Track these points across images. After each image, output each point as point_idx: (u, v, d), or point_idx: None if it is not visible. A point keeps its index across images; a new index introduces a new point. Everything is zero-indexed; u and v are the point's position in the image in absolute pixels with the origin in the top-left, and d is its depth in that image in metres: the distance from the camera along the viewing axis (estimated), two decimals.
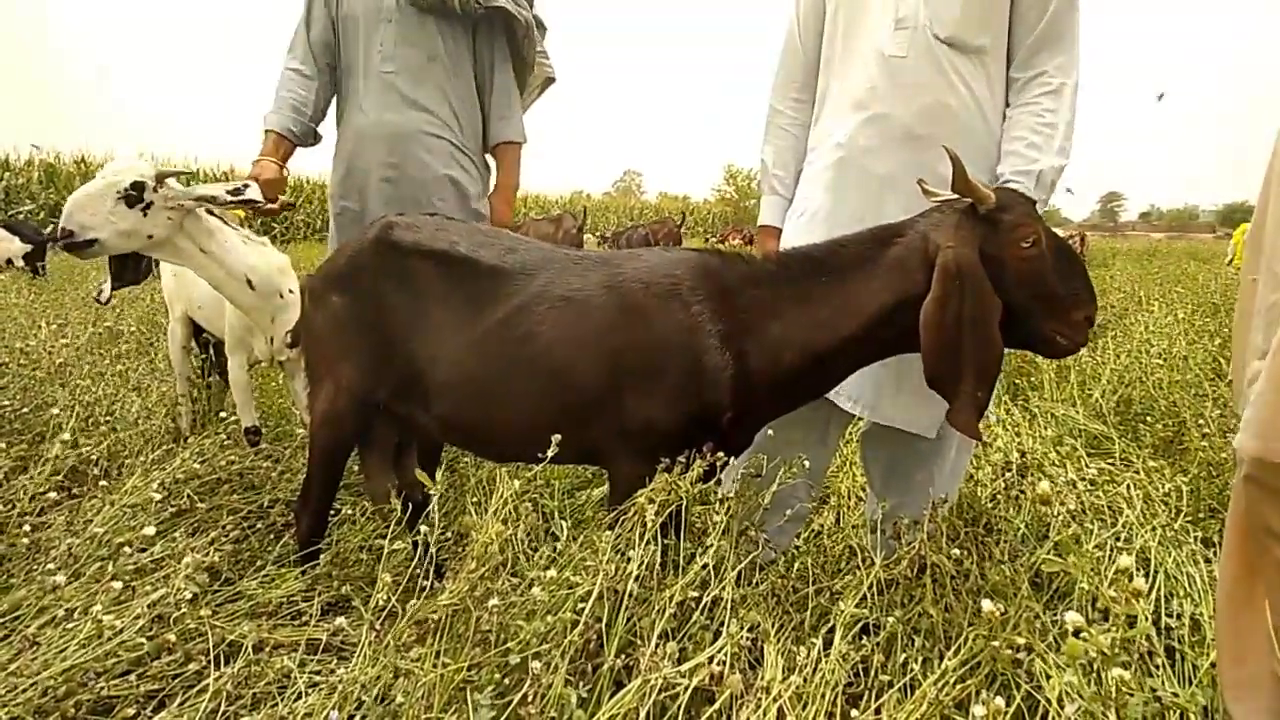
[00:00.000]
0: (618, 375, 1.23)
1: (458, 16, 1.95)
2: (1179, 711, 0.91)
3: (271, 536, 1.77)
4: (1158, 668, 1.21)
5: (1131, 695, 0.66)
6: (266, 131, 1.96)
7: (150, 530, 1.30)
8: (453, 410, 1.34)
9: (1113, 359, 2.90)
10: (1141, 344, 2.94)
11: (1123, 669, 0.64)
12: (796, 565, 1.49)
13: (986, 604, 0.78)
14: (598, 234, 14.41)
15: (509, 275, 1.30)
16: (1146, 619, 0.90)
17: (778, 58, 1.70)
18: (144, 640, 1.14)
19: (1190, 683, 1.26)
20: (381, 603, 1.07)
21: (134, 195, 1.69)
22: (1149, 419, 2.48)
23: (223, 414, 2.06)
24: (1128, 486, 1.66)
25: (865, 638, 1.18)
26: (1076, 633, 0.68)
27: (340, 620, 1.21)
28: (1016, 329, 1.16)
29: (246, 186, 1.77)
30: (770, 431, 1.45)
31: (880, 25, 1.44)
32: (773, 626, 1.18)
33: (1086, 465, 1.84)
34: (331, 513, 1.62)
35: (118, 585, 1.17)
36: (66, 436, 1.72)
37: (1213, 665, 1.22)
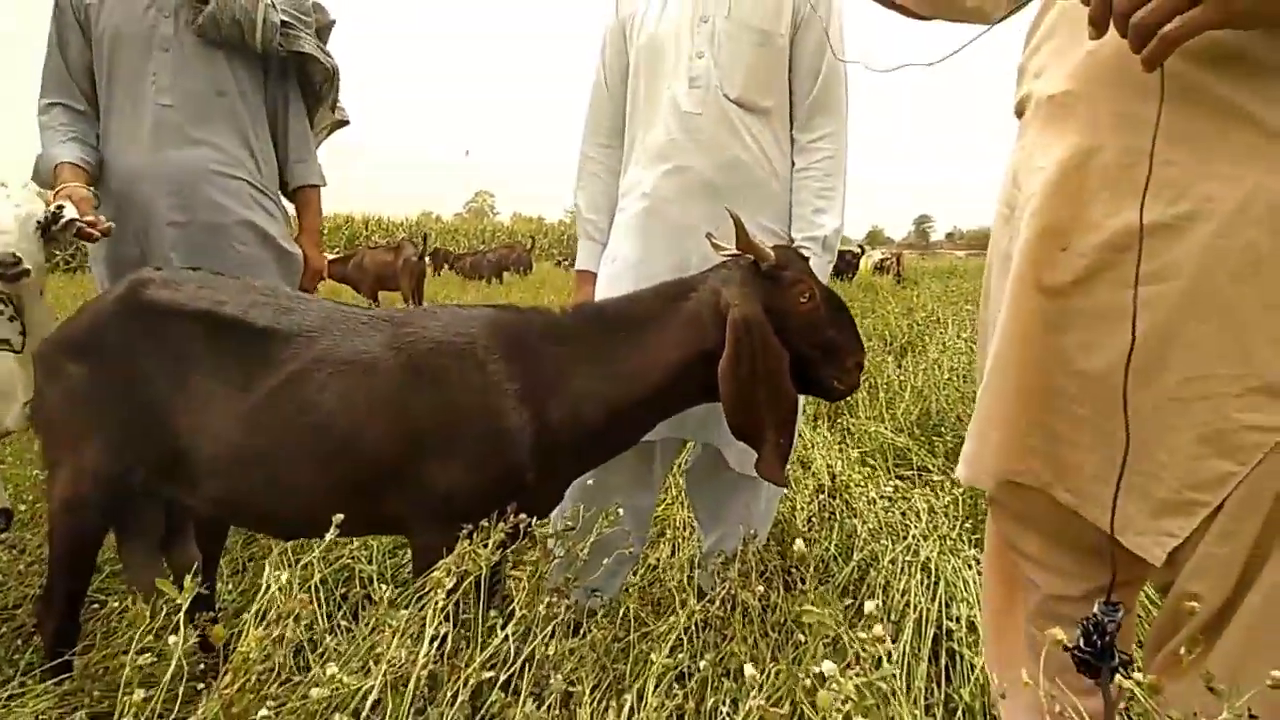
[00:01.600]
0: (412, 442, 1.16)
1: (254, 54, 1.80)
2: None
3: (19, 641, 1.49)
4: (942, 670, 1.33)
5: None
6: (58, 165, 1.67)
7: None
8: (225, 490, 1.20)
9: (913, 376, 3.23)
10: (935, 361, 3.30)
11: (864, 716, 0.69)
12: (621, 611, 1.48)
13: (748, 669, 0.80)
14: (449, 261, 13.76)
15: (285, 338, 1.19)
16: (892, 660, 0.98)
17: (589, 102, 1.73)
18: None
19: (968, 681, 1.40)
20: None
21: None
22: (941, 430, 2.77)
23: None
24: (916, 502, 1.83)
25: (680, 684, 1.20)
26: (825, 681, 0.72)
27: None
28: (801, 377, 1.24)
29: (61, 208, 1.50)
30: (589, 480, 1.45)
31: (677, 84, 1.51)
32: (589, 685, 1.16)
33: (885, 483, 2.01)
34: (96, 604, 1.39)
35: None
36: None
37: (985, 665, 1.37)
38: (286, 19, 1.82)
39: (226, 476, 1.19)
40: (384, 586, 1.21)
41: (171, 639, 0.90)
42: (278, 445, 1.17)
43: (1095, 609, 0.66)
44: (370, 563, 1.84)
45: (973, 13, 1.11)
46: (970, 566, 1.63)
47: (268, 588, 1.02)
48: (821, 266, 1.46)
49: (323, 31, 1.97)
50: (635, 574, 1.88)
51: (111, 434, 1.20)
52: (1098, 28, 0.71)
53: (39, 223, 1.47)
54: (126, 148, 1.73)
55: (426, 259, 8.81)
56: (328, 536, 1.03)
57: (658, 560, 2.06)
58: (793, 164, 1.58)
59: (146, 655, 0.97)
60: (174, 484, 1.22)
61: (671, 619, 1.39)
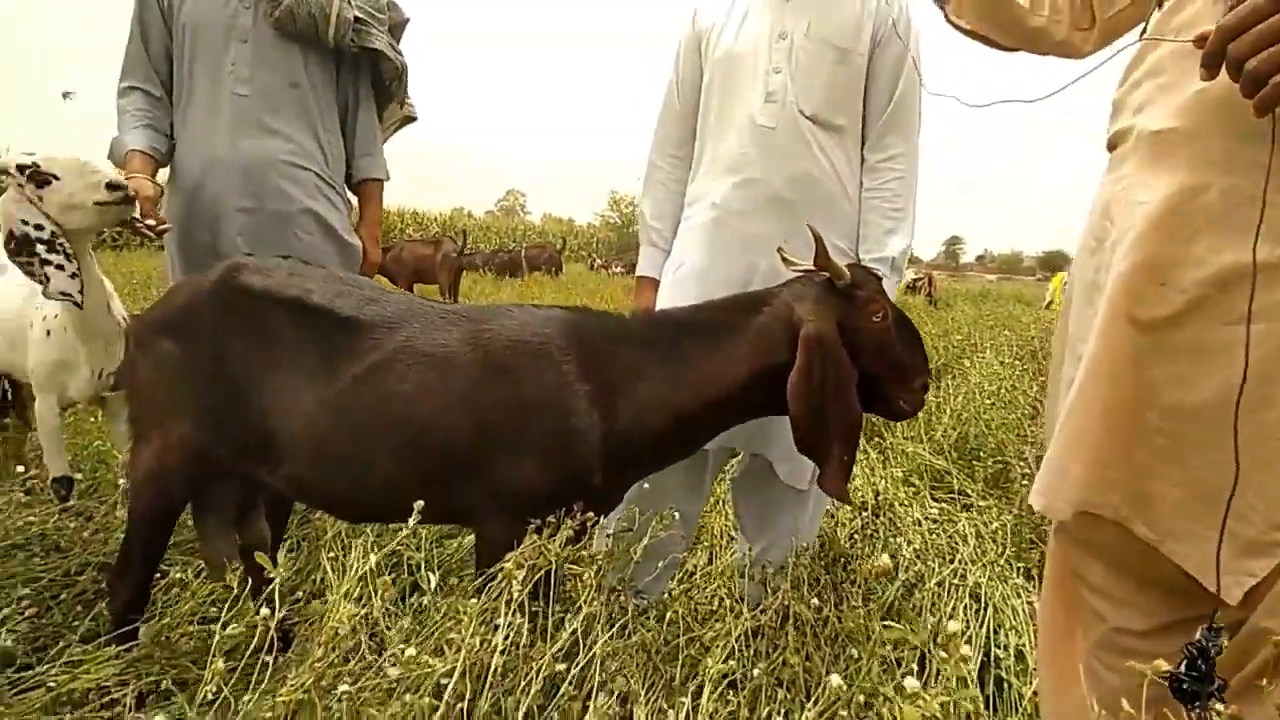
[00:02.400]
0: (485, 436, 1.19)
1: (326, 48, 1.86)
2: None
3: (79, 608, 1.54)
4: (988, 698, 1.33)
5: None
6: (129, 152, 1.75)
7: None
8: (304, 471, 1.24)
9: (952, 399, 3.21)
10: (975, 386, 3.27)
11: None
12: (668, 615, 1.50)
13: (834, 679, 0.81)
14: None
15: (369, 328, 1.22)
16: (974, 679, 0.98)
17: (659, 112, 1.76)
18: None
19: (1016, 710, 1.40)
20: (210, 695, 0.95)
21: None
22: (981, 455, 2.75)
23: (19, 467, 1.79)
24: (963, 525, 1.82)
25: (732, 691, 1.21)
26: (910, 697, 0.73)
27: (159, 717, 1.06)
28: (867, 396, 1.25)
29: (129, 192, 1.57)
30: (645, 483, 1.47)
31: (753, 98, 1.53)
32: (643, 686, 1.18)
33: (930, 505, 2.00)
34: (158, 575, 1.44)
35: None
36: None
37: (1035, 694, 1.36)
38: (360, 15, 1.87)
39: (306, 459, 1.23)
40: (431, 575, 1.25)
41: (263, 610, 0.94)
42: (357, 431, 1.21)
43: (1199, 634, 0.66)
44: (419, 550, 1.88)
45: (1059, 47, 1.12)
46: (1019, 595, 1.63)
47: (344, 571, 1.05)
48: (890, 287, 1.47)
49: (395, 29, 2.02)
50: (673, 580, 1.90)
51: (199, 411, 1.25)
52: (1210, 70, 0.72)
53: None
54: (203, 135, 1.79)
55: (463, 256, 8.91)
56: (410, 522, 1.06)
57: (695, 568, 2.07)
58: (861, 183, 1.59)
59: (232, 625, 1.00)
60: (254, 462, 1.26)
61: (718, 625, 1.40)
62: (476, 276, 11.72)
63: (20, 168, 1.52)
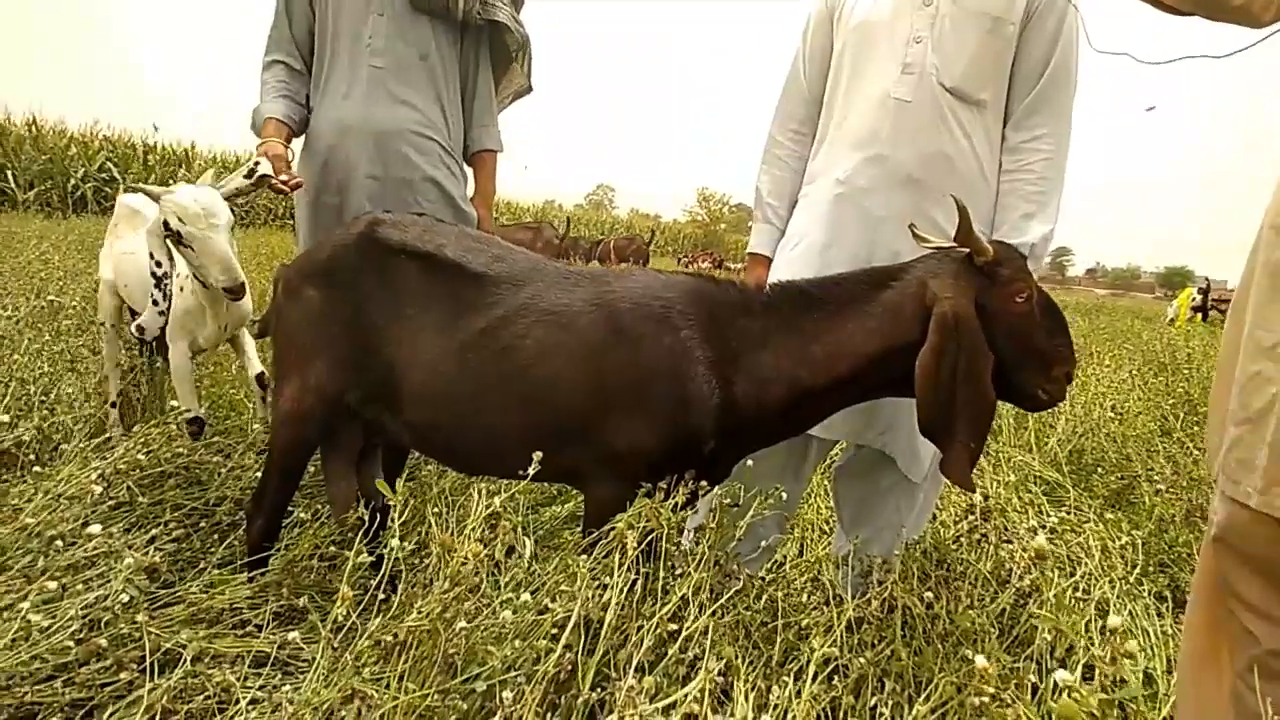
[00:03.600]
0: (602, 396, 1.20)
1: (453, 20, 1.93)
2: None
3: (216, 537, 1.67)
4: None
5: None
6: (266, 119, 1.89)
7: (96, 529, 1.21)
8: (426, 418, 1.29)
9: (1067, 410, 2.99)
10: (1094, 398, 3.05)
11: None
12: (764, 597, 1.47)
13: (980, 660, 0.77)
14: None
15: (495, 283, 1.26)
16: (1137, 678, 0.91)
17: (781, 88, 1.72)
18: (73, 644, 1.05)
19: None
20: (340, 618, 1.01)
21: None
22: (1100, 470, 2.56)
23: (172, 403, 1.95)
24: (1087, 537, 1.69)
25: (835, 678, 1.17)
26: (1064, 691, 0.68)
27: (292, 634, 1.14)
28: (1002, 382, 1.17)
29: (258, 164, 1.73)
30: (749, 461, 1.44)
31: (887, 69, 1.46)
32: (742, 662, 1.16)
33: (1048, 513, 1.88)
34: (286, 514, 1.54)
35: (51, 585, 1.08)
36: (3, 417, 1.60)
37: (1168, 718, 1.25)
38: None
39: (429, 407, 1.28)
40: (527, 540, 1.27)
41: (393, 542, 0.98)
42: (478, 383, 1.25)
43: None
44: (516, 514, 1.93)
45: (1238, 11, 1.02)
46: (1149, 615, 1.50)
47: (472, 511, 1.09)
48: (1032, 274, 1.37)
49: (517, 1, 2.07)
50: (763, 568, 1.86)
51: (337, 356, 1.32)
52: None
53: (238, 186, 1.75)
54: (340, 104, 1.90)
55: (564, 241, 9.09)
56: (528, 474, 1.08)
57: (784, 557, 2.03)
58: (1000, 164, 1.49)
59: (362, 556, 1.06)
60: (383, 408, 1.33)
61: (815, 613, 1.36)
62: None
63: (166, 225, 1.73)
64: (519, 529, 1.86)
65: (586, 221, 28.51)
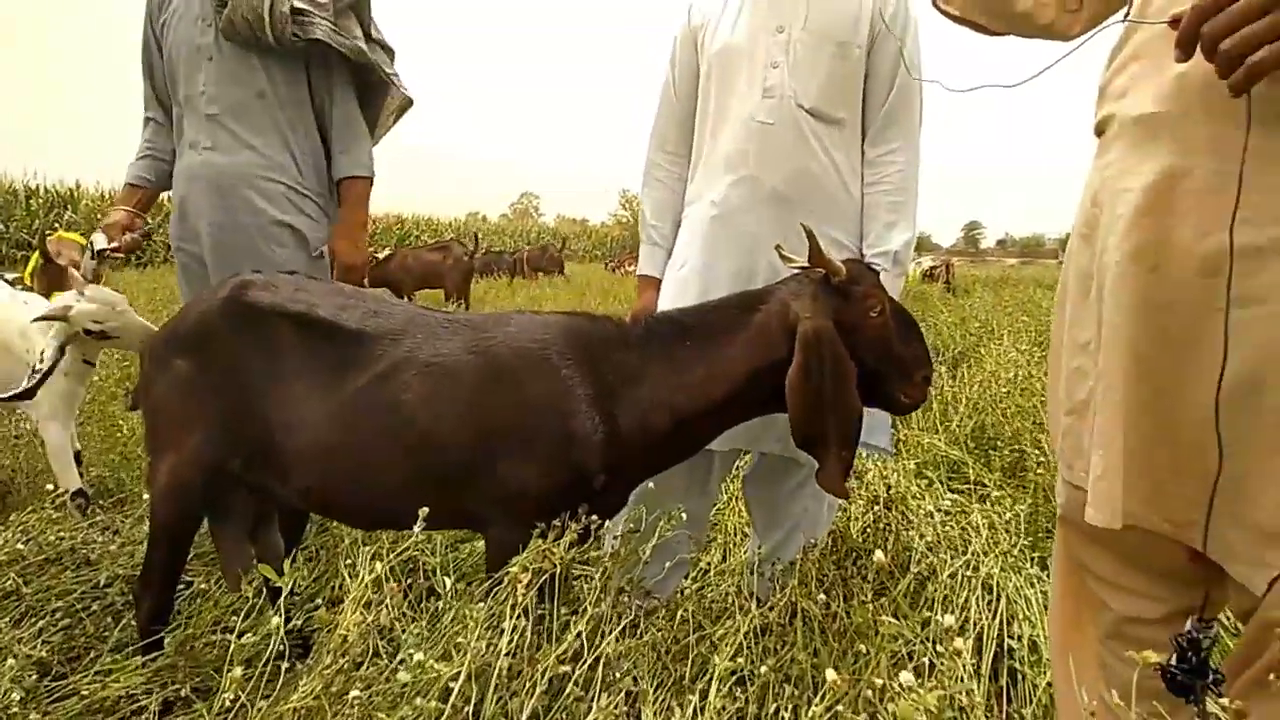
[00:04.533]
0: (488, 441, 1.21)
1: (281, 50, 1.82)
2: None
3: (109, 619, 1.59)
4: (1001, 689, 1.32)
5: None
6: (125, 184, 1.91)
7: None
8: (314, 481, 1.27)
9: (968, 388, 3.17)
10: (992, 374, 3.23)
11: None
12: (679, 614, 1.51)
13: (830, 673, 0.82)
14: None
15: (373, 340, 1.25)
16: (970, 673, 0.98)
17: (656, 109, 1.76)
18: None
19: (1030, 702, 1.39)
20: (227, 703, 0.99)
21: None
22: (998, 444, 2.72)
23: (49, 485, 1.85)
24: (976, 516, 1.81)
25: (741, 688, 1.21)
26: (906, 692, 0.73)
27: None
28: (868, 390, 1.25)
29: (93, 241, 1.79)
30: (651, 484, 1.48)
31: (750, 93, 1.53)
32: (651, 684, 1.19)
33: (943, 497, 1.99)
34: (182, 585, 1.48)
35: None
36: None
37: (1049, 684, 1.35)
38: (300, 5, 1.78)
39: (316, 469, 1.26)
40: (446, 579, 1.27)
41: (274, 620, 0.97)
42: (364, 441, 1.24)
43: (1188, 626, 0.66)
44: (434, 555, 1.91)
45: (1047, 29, 1.11)
46: (1033, 585, 1.61)
47: (357, 577, 1.08)
48: (892, 281, 1.46)
49: (358, 8, 1.90)
50: (686, 578, 1.90)
51: (213, 425, 1.28)
52: (1185, 51, 0.71)
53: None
54: (186, 154, 1.87)
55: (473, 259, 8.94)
56: (416, 529, 1.08)
57: (709, 565, 2.08)
58: (862, 178, 1.58)
59: (248, 635, 1.03)
60: (267, 474, 1.30)
61: (729, 623, 1.41)
62: (491, 281, 11.89)
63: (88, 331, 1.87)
64: (437, 570, 1.86)
65: (513, 232, 28.22)
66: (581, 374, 1.22)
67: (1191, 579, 0.92)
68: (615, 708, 1.05)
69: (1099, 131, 0.97)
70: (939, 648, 0.76)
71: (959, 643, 0.74)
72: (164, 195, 2.06)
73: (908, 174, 1.54)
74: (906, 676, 0.72)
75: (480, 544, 2.07)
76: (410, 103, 2.14)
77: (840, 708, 0.83)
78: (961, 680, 0.73)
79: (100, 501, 2.06)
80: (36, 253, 3.47)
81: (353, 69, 1.95)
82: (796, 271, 1.30)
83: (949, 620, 0.77)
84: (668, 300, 1.62)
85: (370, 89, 2.03)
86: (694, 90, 1.67)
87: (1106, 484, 0.92)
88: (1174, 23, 0.71)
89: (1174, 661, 0.66)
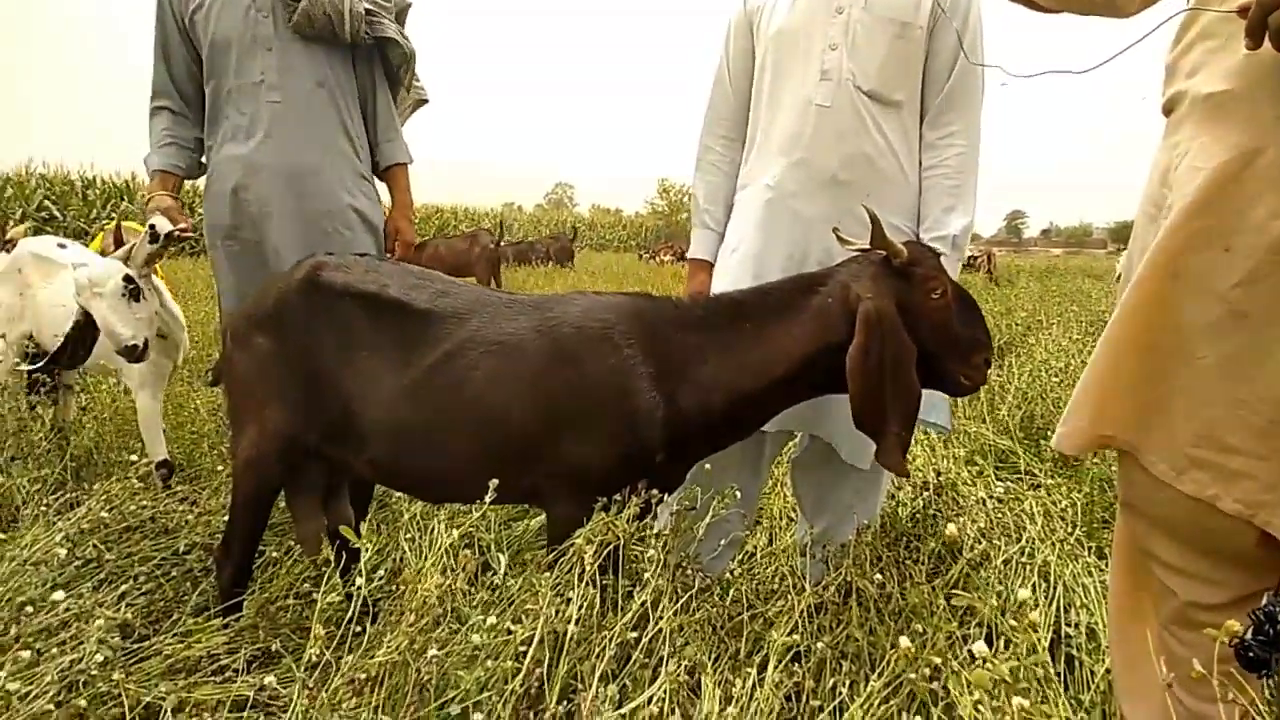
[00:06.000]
0: (552, 419, 1.25)
1: (343, 43, 1.92)
2: None
3: (188, 585, 1.68)
4: (1060, 676, 1.31)
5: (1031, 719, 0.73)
6: (153, 173, 1.91)
7: (60, 595, 1.23)
8: (386, 455, 1.32)
9: (1017, 377, 3.12)
10: (1041, 363, 3.17)
11: (1022, 696, 0.71)
12: (731, 592, 1.54)
13: (903, 641, 0.84)
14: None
15: (441, 319, 1.30)
16: (1047, 640, 0.99)
17: (709, 93, 1.77)
18: (53, 709, 1.07)
19: (1088, 688, 1.38)
20: (314, 658, 1.05)
21: (133, 289, 1.84)
22: (1049, 434, 2.67)
23: (131, 457, 1.95)
24: (1030, 504, 1.79)
25: (797, 664, 1.24)
26: (981, 661, 0.75)
27: (269, 677, 1.17)
28: (927, 372, 1.25)
29: (153, 225, 1.80)
30: (705, 463, 1.51)
31: (807, 75, 1.53)
32: (709, 657, 1.22)
33: (994, 484, 1.97)
34: (256, 555, 1.56)
35: (25, 654, 1.10)
36: None
37: (1108, 671, 1.34)
38: (370, 6, 1.93)
39: (387, 443, 1.32)
40: (501, 556, 1.31)
41: (358, 580, 1.02)
42: (432, 417, 1.29)
43: (1265, 600, 0.66)
44: (488, 532, 1.97)
45: (1103, 7, 1.09)
46: (1090, 573, 1.59)
47: (431, 545, 1.13)
48: (951, 265, 1.45)
49: (401, 14, 2.08)
50: (733, 560, 1.93)
51: (291, 400, 1.35)
52: (1255, 40, 0.71)
53: (124, 294, 1.86)
54: (244, 143, 1.89)
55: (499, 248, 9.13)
56: (486, 499, 1.12)
57: (754, 549, 2.10)
58: (920, 161, 1.57)
59: (331, 594, 1.09)
60: (341, 447, 1.36)
61: (780, 602, 1.43)
62: (530, 269, 12.10)
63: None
64: (491, 545, 1.92)
65: (548, 221, 28.38)
66: (643, 354, 1.25)
67: (1260, 563, 0.91)
68: (678, 676, 1.08)
69: (1167, 111, 0.96)
70: (1010, 622, 0.77)
71: (1034, 615, 0.75)
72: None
73: (967, 157, 1.53)
74: (980, 647, 0.74)
75: (532, 523, 2.13)
76: (425, 102, 2.26)
77: (912, 674, 0.85)
78: (1035, 652, 0.74)
79: (175, 478, 2.17)
80: (98, 238, 3.65)
81: (386, 67, 2.07)
82: (855, 254, 1.30)
83: (1024, 594, 0.78)
84: (721, 285, 1.63)
85: (398, 86, 2.13)
86: (748, 75, 1.68)
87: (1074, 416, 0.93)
88: (1240, 11, 0.71)
89: (1251, 635, 0.66)
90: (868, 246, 1.26)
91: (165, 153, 1.93)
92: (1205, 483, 0.89)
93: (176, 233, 1.85)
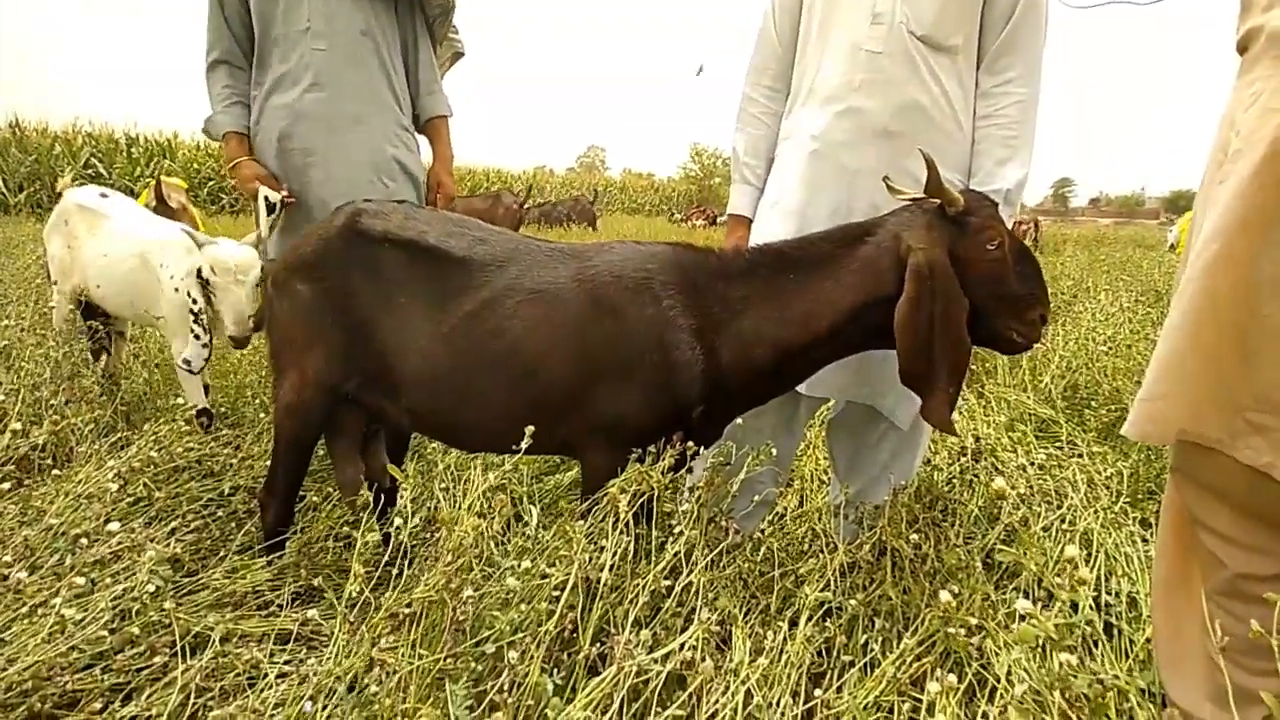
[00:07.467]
0: (589, 369, 1.24)
1: None
2: (1119, 691, 0.98)
3: (233, 525, 1.74)
4: (1097, 645, 1.29)
5: (1075, 677, 0.72)
6: (226, 134, 1.89)
7: (115, 526, 1.28)
8: (423, 403, 1.33)
9: (1061, 346, 3.02)
10: (1088, 332, 3.07)
11: (1068, 653, 0.69)
12: (763, 549, 1.53)
13: (944, 595, 0.82)
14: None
15: (479, 266, 1.29)
16: (1089, 602, 0.96)
17: (752, 43, 1.71)
18: (107, 634, 1.12)
19: (1127, 657, 1.35)
20: (354, 594, 1.07)
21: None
22: (1094, 404, 2.59)
23: (176, 400, 2.01)
24: (1073, 471, 1.74)
25: (828, 620, 1.23)
26: (1025, 618, 0.73)
27: (311, 611, 1.20)
28: (978, 327, 1.20)
29: (266, 197, 1.83)
30: (739, 420, 1.49)
31: (857, 20, 1.45)
32: (740, 610, 1.22)
33: (1036, 450, 1.92)
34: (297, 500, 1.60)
35: (80, 580, 1.14)
36: (16, 426, 1.65)
37: (1148, 641, 1.31)
38: None
39: (425, 391, 1.33)
40: (533, 508, 1.32)
41: (397, 520, 1.04)
42: (471, 365, 1.28)
43: None
44: (521, 485, 1.99)
45: None
46: (1134, 542, 1.55)
47: (469, 490, 1.14)
48: (1004, 221, 1.39)
49: None
50: (764, 520, 1.92)
51: (331, 347, 1.36)
52: None
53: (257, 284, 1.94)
54: (289, 91, 1.87)
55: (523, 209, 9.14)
56: (522, 446, 1.12)
57: (785, 510, 2.09)
58: (974, 110, 1.49)
59: (371, 534, 1.11)
60: (380, 394, 1.37)
61: (812, 561, 1.42)
62: (560, 231, 12.14)
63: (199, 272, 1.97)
64: (524, 498, 1.95)
65: (579, 185, 28.16)
66: (683, 305, 1.23)
67: None
68: (710, 625, 1.09)
69: (1242, 49, 0.89)
70: (1055, 579, 0.75)
71: (1084, 572, 0.72)
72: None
73: (1026, 106, 1.44)
74: (1024, 604, 0.72)
75: (564, 478, 2.14)
76: (462, 55, 2.23)
77: (950, 630, 0.83)
78: (1081, 610, 0.72)
79: (218, 425, 2.23)
80: (144, 194, 3.70)
81: (424, 17, 2.04)
82: (906, 203, 1.25)
83: (1071, 550, 0.76)
84: (762, 237, 1.59)
85: (433, 36, 2.10)
86: (794, 24, 1.60)
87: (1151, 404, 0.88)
88: None
89: None
90: (920, 195, 1.20)
91: (234, 113, 1.90)
92: (1261, 449, 0.86)
93: (283, 201, 1.85)
